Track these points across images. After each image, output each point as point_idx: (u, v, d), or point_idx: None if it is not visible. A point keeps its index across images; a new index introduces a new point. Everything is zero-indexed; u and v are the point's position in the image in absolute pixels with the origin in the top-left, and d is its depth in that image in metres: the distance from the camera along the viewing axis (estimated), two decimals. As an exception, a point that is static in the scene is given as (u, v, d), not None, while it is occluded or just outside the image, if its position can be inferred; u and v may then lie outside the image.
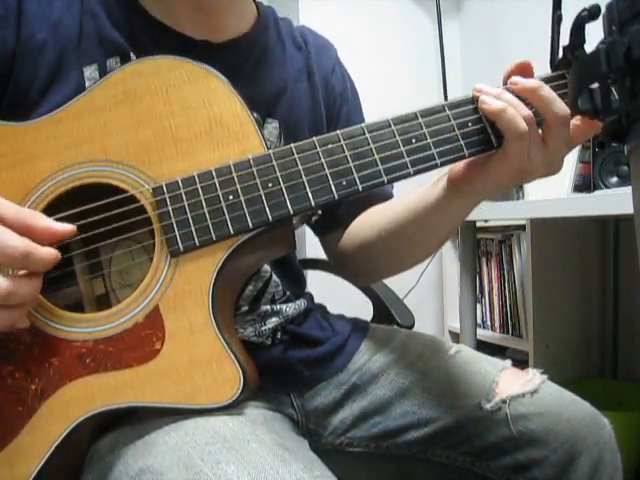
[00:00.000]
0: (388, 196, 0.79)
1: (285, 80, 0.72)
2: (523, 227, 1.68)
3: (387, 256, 0.74)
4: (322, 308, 0.82)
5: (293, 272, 0.77)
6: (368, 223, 0.75)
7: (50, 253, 0.47)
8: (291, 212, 0.53)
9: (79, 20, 0.61)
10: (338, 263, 0.82)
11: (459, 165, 0.59)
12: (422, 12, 2.15)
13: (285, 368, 0.69)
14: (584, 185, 1.34)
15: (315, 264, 1.09)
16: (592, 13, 0.48)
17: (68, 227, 0.49)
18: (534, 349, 1.59)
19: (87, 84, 0.60)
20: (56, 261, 0.48)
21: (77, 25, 0.61)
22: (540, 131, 0.55)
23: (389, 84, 2.05)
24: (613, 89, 0.40)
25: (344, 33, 1.86)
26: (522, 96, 0.54)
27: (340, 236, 0.79)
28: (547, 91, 0.53)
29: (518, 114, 0.53)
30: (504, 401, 0.66)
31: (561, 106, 0.53)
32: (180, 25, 0.66)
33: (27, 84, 0.59)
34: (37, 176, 0.54)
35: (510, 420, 0.65)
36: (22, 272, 0.47)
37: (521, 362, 1.62)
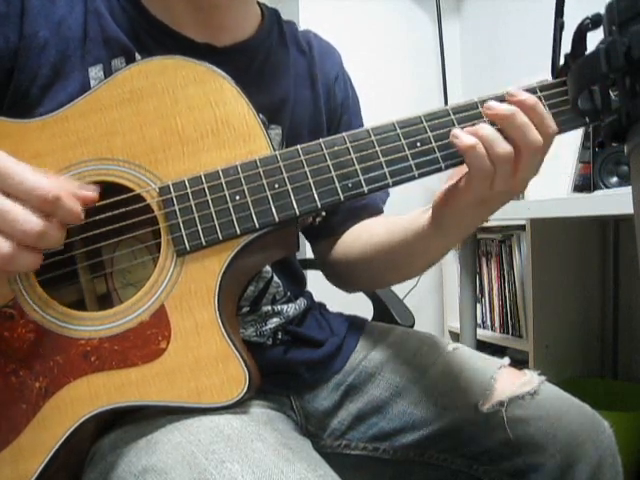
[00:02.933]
0: (379, 211, 0.80)
1: (288, 86, 0.72)
2: (523, 227, 1.68)
3: (369, 273, 0.75)
4: (321, 306, 0.82)
5: (294, 272, 0.77)
6: (356, 239, 0.76)
7: (76, 204, 0.48)
8: (297, 213, 0.54)
9: (83, 20, 0.61)
10: (326, 271, 0.83)
11: (438, 193, 0.60)
12: (422, 12, 2.15)
13: (285, 369, 0.69)
14: (584, 185, 1.34)
15: (315, 264, 1.09)
16: (594, 22, 0.48)
17: (89, 191, 0.50)
18: (534, 349, 1.58)
19: (92, 84, 0.60)
20: (80, 217, 0.49)
21: (81, 25, 0.61)
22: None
23: (389, 84, 2.05)
24: (613, 89, 0.40)
25: (344, 33, 1.87)
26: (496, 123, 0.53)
27: (331, 245, 0.79)
28: (521, 119, 0.52)
29: (485, 154, 0.52)
30: (501, 404, 0.65)
31: (534, 136, 0.52)
32: (182, 26, 0.65)
33: (28, 82, 0.59)
34: (42, 174, 0.54)
35: (507, 424, 0.64)
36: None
37: (521, 362, 1.62)
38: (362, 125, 0.82)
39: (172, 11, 0.65)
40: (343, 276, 0.80)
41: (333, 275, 0.82)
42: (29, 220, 0.45)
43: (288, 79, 0.73)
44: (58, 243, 0.49)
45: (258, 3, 0.75)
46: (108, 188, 0.54)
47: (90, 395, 0.51)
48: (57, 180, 0.48)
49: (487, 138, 0.52)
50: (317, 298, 0.82)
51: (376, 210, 0.80)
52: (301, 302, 0.75)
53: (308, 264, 1.11)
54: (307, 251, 1.18)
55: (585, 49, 0.52)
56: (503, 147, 0.52)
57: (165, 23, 0.65)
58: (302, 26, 0.80)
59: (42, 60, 0.59)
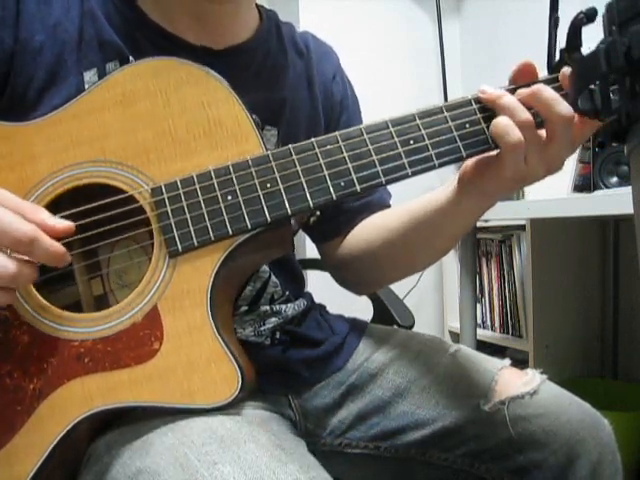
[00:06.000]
0: (387, 206, 0.79)
1: (285, 88, 0.72)
2: (523, 227, 1.67)
3: (392, 260, 0.73)
4: (321, 307, 0.82)
5: (292, 272, 0.77)
6: (373, 227, 0.75)
7: (55, 245, 0.47)
8: (289, 212, 0.53)
9: (79, 23, 0.61)
10: (337, 271, 0.82)
11: (467, 166, 0.59)
12: (422, 12, 2.15)
13: (284, 369, 0.69)
14: (584, 185, 1.34)
15: (315, 264, 1.09)
16: (589, 16, 0.48)
17: (65, 223, 0.49)
18: (534, 349, 1.58)
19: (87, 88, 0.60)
20: (61, 257, 0.48)
21: (77, 28, 0.61)
22: (544, 132, 0.54)
23: (389, 84, 2.05)
24: (613, 89, 0.40)
25: (344, 33, 1.87)
26: (524, 102, 0.53)
27: (338, 245, 0.79)
28: (549, 93, 0.52)
29: (513, 123, 0.52)
30: (503, 402, 0.66)
31: (565, 107, 0.51)
32: (179, 30, 0.65)
33: (24, 86, 0.59)
34: (36, 176, 0.54)
35: (509, 422, 0.65)
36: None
37: (521, 362, 1.62)
38: None
39: (169, 14, 0.65)
40: (361, 272, 0.78)
41: (347, 274, 0.81)
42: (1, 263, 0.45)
43: (286, 81, 0.73)
44: (29, 281, 0.49)
45: (257, 6, 0.75)
46: (102, 190, 0.54)
47: (84, 396, 0.51)
48: (35, 214, 0.48)
49: (509, 106, 0.53)
50: (317, 299, 0.81)
51: (383, 205, 0.79)
52: (301, 302, 0.75)
53: (308, 264, 1.11)
54: (307, 251, 1.18)
55: (580, 44, 0.52)
56: (525, 114, 0.52)
57: (162, 26, 0.65)
58: (302, 26, 0.80)
59: (38, 64, 0.59)
